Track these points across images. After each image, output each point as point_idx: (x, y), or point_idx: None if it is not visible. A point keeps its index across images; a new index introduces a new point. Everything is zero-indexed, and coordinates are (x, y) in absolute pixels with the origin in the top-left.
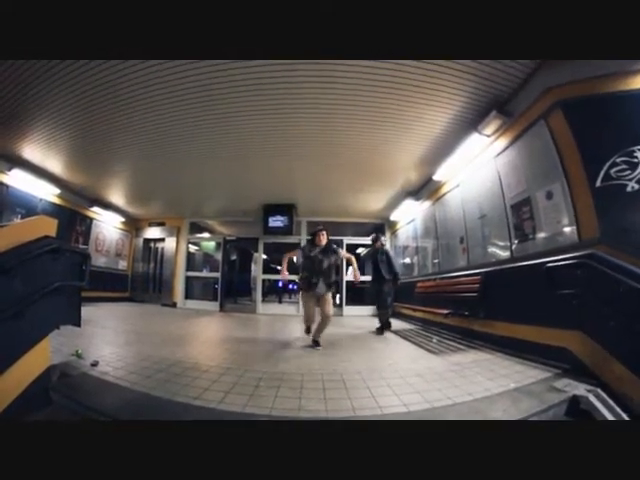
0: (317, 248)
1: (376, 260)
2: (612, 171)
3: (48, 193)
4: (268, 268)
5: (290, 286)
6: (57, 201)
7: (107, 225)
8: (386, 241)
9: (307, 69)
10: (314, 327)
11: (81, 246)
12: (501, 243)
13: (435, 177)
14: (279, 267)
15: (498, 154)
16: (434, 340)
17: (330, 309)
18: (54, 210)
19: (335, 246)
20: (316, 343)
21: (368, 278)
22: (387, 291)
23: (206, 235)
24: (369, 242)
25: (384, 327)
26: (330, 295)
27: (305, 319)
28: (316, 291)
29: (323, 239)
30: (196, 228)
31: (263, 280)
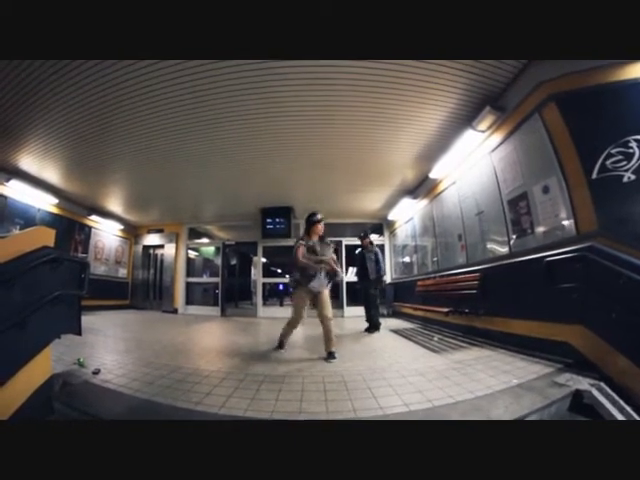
0: (315, 239)
1: (362, 258)
2: (608, 162)
3: (46, 203)
4: (268, 271)
5: (291, 289)
6: (55, 211)
7: (106, 233)
8: (384, 239)
9: (302, 71)
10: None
11: (80, 255)
12: (499, 239)
13: (431, 175)
14: (279, 270)
15: (493, 149)
16: (435, 338)
17: (329, 310)
18: (52, 220)
19: (329, 240)
20: (330, 355)
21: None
22: (375, 293)
23: (205, 240)
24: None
25: (373, 327)
26: (327, 293)
27: (288, 324)
28: (313, 285)
29: (322, 229)
30: (195, 234)
31: (264, 284)
